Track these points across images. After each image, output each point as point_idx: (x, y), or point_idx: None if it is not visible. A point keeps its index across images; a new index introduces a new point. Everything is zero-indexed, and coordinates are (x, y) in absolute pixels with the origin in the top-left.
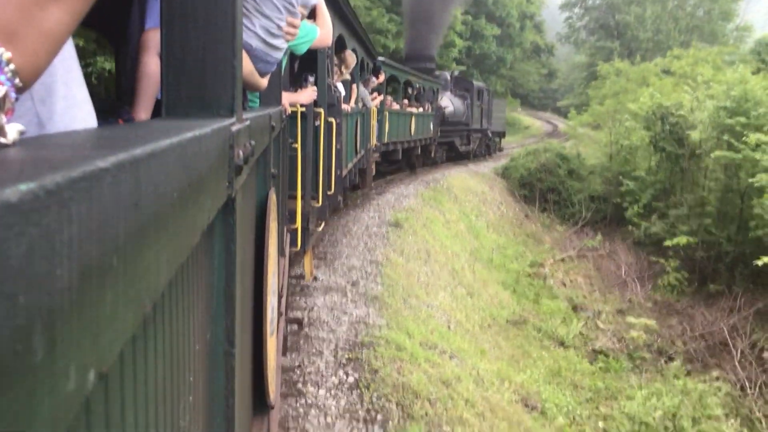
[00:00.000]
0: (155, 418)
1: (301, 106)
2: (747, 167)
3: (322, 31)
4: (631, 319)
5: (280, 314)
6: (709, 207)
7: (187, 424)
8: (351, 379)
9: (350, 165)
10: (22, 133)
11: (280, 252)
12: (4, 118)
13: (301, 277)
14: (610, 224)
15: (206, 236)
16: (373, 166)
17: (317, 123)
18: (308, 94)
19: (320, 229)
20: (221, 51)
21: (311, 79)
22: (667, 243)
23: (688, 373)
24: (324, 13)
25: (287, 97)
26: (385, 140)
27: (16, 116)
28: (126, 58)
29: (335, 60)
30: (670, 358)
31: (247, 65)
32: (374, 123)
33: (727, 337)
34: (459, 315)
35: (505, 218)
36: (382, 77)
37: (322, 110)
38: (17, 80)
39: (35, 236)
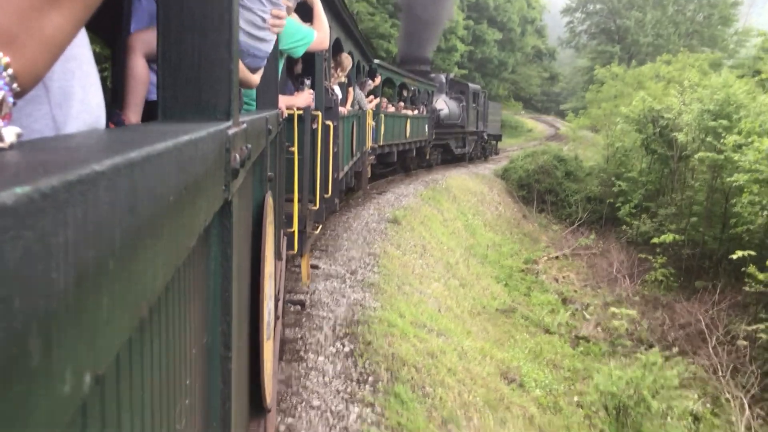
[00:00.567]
0: (152, 421)
1: (298, 109)
2: (729, 168)
3: (319, 34)
4: (613, 309)
5: (276, 318)
6: (696, 206)
7: (183, 428)
8: (347, 349)
9: (346, 168)
10: (19, 136)
11: (277, 255)
12: (1, 122)
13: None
14: (605, 224)
15: (203, 240)
16: (369, 169)
17: (314, 126)
18: (305, 97)
19: (317, 232)
20: (217, 54)
21: (308, 82)
22: (654, 240)
23: (666, 359)
24: (321, 16)
25: (284, 101)
26: (381, 143)
27: (32, 121)
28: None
29: (332, 63)
30: (650, 346)
31: None
32: (370, 125)
33: (704, 326)
34: (450, 302)
35: (502, 218)
36: (378, 80)
37: (319, 113)
38: (15, 85)
39: (31, 239)
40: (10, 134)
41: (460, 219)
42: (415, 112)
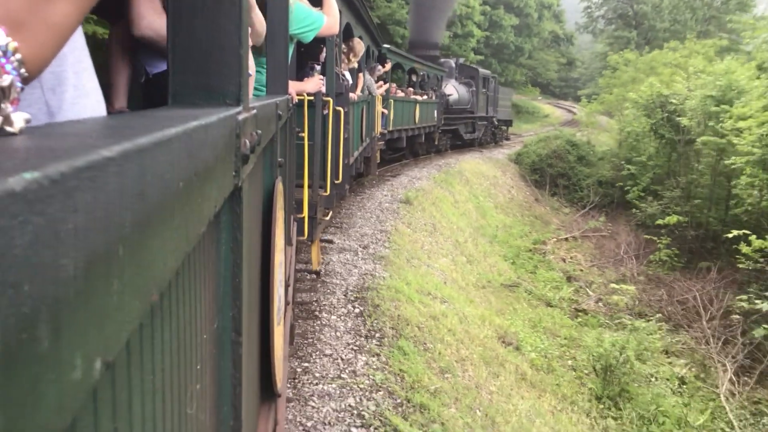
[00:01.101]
0: (162, 406)
1: (308, 94)
2: (731, 151)
3: (329, 19)
4: (613, 285)
5: (287, 303)
6: (700, 189)
7: (194, 412)
8: (357, 310)
9: (356, 153)
10: (28, 121)
11: (287, 241)
12: (10, 107)
13: (308, 270)
14: (616, 208)
15: (213, 226)
16: (378, 154)
17: (325, 112)
18: (315, 82)
19: (328, 218)
20: (228, 39)
21: (317, 67)
22: (659, 222)
23: (658, 329)
24: (331, 1)
25: (294, 86)
26: (390, 128)
27: (25, 105)
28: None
29: (343, 48)
30: (648, 320)
31: None
32: (379, 111)
33: (699, 301)
34: (456, 275)
35: (514, 201)
36: (388, 65)
37: (330, 99)
38: (23, 70)
39: (40, 225)
40: (19, 120)
41: (472, 201)
42: (425, 97)
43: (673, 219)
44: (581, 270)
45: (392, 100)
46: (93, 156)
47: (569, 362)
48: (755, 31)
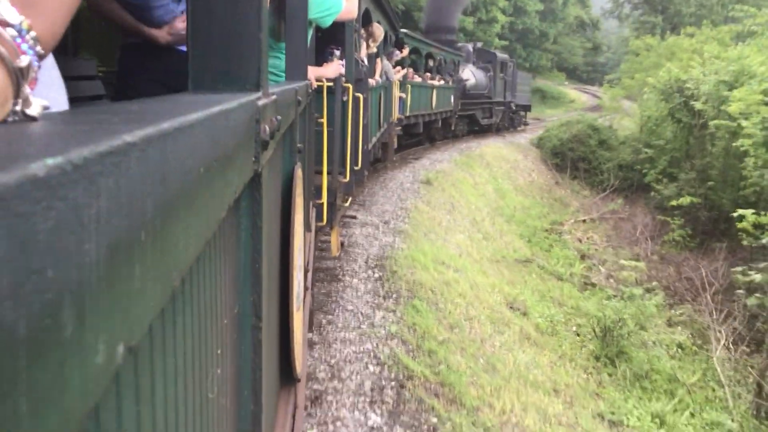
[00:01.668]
0: (184, 390)
1: (328, 80)
2: (741, 134)
3: (348, 4)
4: (623, 261)
5: (306, 289)
6: (714, 171)
7: (215, 396)
8: (376, 275)
9: (374, 139)
10: (46, 108)
11: (306, 227)
12: (28, 89)
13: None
14: (636, 191)
15: (233, 211)
16: (395, 140)
17: (345, 98)
18: (334, 68)
19: (347, 204)
20: (247, 24)
21: (337, 52)
22: (673, 203)
23: (671, 306)
24: None
25: (313, 71)
26: (407, 113)
27: None
28: None
29: (362, 33)
30: (655, 293)
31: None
32: (397, 97)
33: (704, 277)
34: (471, 250)
35: (534, 184)
36: (405, 51)
37: (350, 85)
38: (39, 48)
39: (63, 211)
40: (37, 105)
41: (491, 183)
42: (441, 82)
43: (686, 200)
44: (596, 249)
45: (409, 86)
46: (116, 141)
47: (573, 328)
48: (755, 18)
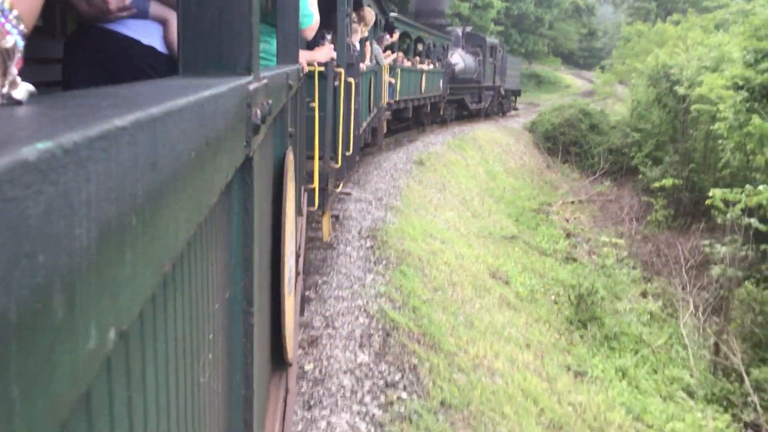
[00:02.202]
0: (176, 374)
1: (319, 65)
2: (719, 118)
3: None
4: (604, 238)
5: (297, 274)
6: (696, 154)
7: (206, 381)
8: (368, 244)
9: (364, 124)
10: (32, 94)
11: (298, 212)
12: (15, 70)
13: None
14: (625, 174)
15: (224, 196)
16: (385, 125)
17: (336, 83)
18: (326, 52)
19: (339, 189)
20: (238, 8)
21: (328, 36)
22: (656, 185)
23: (647, 280)
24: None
25: (304, 56)
26: (397, 98)
27: None
28: None
29: (354, 17)
30: (633, 268)
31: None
32: (387, 81)
33: (681, 253)
34: (459, 225)
35: (526, 167)
36: (396, 35)
37: (342, 70)
38: (22, 26)
39: (53, 195)
40: (23, 90)
41: (483, 165)
42: (430, 66)
43: (669, 182)
44: (582, 229)
45: (399, 70)
46: (106, 125)
47: (552, 297)
48: (728, 8)
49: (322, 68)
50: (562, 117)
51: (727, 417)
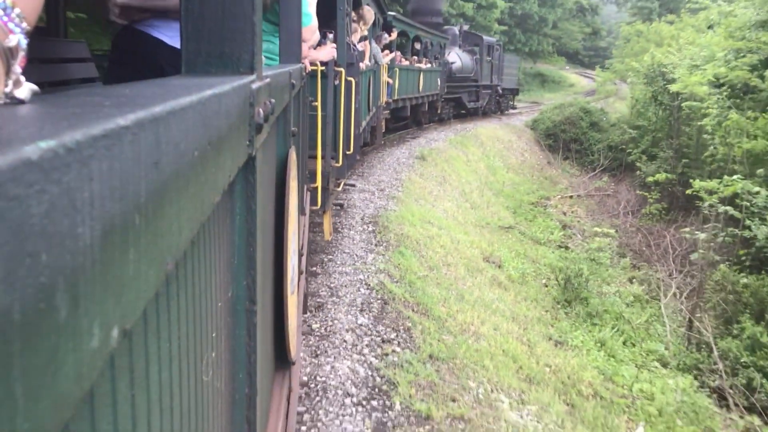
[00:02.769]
0: (179, 373)
1: (321, 64)
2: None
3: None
4: (596, 228)
5: (300, 273)
6: (689, 150)
7: (210, 379)
8: (370, 228)
9: (364, 123)
10: (35, 94)
11: (301, 211)
12: (19, 69)
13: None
14: (624, 171)
15: (227, 195)
16: (383, 124)
17: (337, 82)
18: (328, 51)
19: (340, 189)
20: (241, 6)
21: (330, 36)
22: (650, 179)
23: (636, 267)
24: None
25: (306, 55)
26: (395, 97)
27: None
28: None
29: (353, 17)
30: (623, 256)
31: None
32: (385, 81)
33: (669, 243)
34: (457, 215)
35: (526, 163)
36: (394, 34)
37: (342, 70)
38: (24, 24)
39: (56, 194)
40: (26, 89)
41: (484, 161)
42: (427, 65)
43: (662, 176)
44: (578, 221)
45: (397, 69)
46: (109, 124)
47: (543, 281)
48: (710, 10)
49: (323, 68)
50: (563, 115)
51: (690, 378)
